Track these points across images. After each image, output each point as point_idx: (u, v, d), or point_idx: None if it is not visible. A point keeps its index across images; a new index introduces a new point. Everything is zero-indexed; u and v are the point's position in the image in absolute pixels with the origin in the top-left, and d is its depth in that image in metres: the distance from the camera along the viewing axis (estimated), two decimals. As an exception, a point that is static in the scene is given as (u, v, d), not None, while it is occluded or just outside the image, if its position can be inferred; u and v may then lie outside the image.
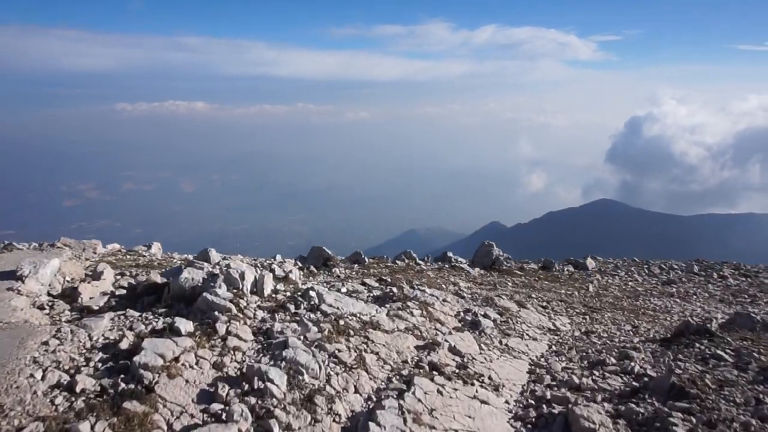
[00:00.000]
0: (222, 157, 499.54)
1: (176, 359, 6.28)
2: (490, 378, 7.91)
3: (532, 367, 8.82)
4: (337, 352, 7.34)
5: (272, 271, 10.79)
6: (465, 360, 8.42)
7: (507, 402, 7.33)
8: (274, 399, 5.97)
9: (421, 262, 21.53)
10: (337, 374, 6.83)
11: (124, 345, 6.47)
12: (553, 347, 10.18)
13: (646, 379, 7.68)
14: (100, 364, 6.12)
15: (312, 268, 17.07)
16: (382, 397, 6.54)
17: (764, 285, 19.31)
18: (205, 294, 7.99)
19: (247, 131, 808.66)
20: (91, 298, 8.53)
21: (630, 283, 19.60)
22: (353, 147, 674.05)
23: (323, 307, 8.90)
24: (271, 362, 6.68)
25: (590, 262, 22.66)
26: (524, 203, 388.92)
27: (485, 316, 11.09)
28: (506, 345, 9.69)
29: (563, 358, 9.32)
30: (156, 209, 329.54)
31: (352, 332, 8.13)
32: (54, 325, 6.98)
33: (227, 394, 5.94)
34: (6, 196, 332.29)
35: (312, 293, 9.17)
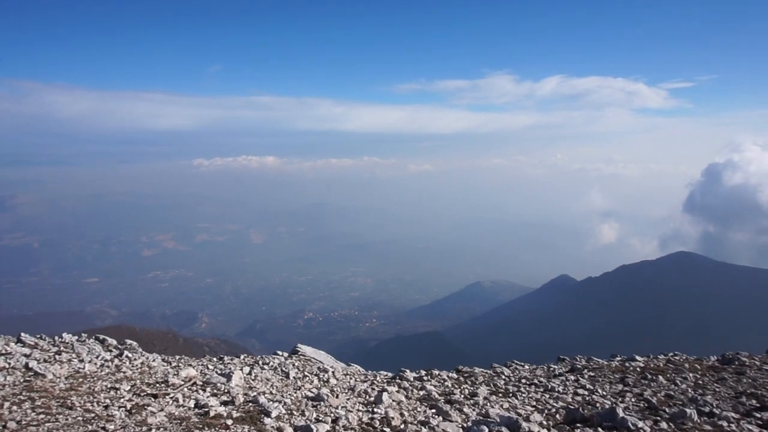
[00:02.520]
0: (289, 209, 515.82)
1: None
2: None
3: None
4: None
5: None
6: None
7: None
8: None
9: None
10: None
11: None
12: None
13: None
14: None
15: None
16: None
17: None
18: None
19: (314, 184, 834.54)
20: None
21: None
22: (417, 199, 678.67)
23: None
24: None
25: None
26: (595, 256, 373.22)
27: None
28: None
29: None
30: (227, 260, 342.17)
31: None
32: None
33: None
34: (92, 247, 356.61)
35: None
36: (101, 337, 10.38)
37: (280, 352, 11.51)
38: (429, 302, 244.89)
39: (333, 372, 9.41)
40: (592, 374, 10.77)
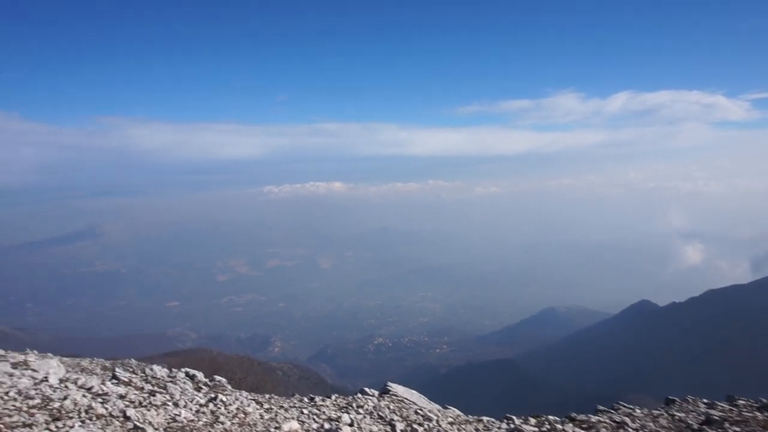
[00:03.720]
0: (356, 233, 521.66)
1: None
2: None
3: None
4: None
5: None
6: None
7: None
8: None
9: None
10: None
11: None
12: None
13: None
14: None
15: None
16: None
17: None
18: None
19: (380, 208, 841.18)
20: None
21: None
22: (485, 221, 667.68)
23: None
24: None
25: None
26: (677, 279, 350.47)
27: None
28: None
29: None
30: (297, 284, 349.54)
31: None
32: None
33: None
34: (172, 273, 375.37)
35: None
36: (191, 372, 10.16)
37: (369, 391, 10.85)
38: (500, 328, 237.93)
39: (437, 420, 8.61)
40: (737, 429, 9.19)
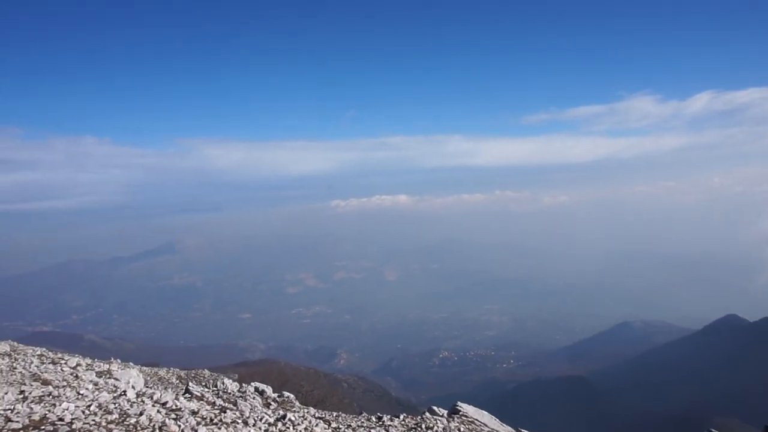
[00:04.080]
0: (422, 246, 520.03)
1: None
2: None
3: None
4: None
5: None
6: None
7: None
8: None
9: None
10: None
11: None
12: None
13: None
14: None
15: None
16: None
17: None
18: None
19: (446, 220, 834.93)
20: None
21: None
22: (554, 232, 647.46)
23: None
24: None
25: None
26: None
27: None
28: None
29: None
30: (363, 296, 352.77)
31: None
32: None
33: None
34: (245, 285, 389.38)
35: None
36: (260, 387, 10.28)
37: (438, 411, 10.54)
38: (571, 343, 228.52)
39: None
40: None
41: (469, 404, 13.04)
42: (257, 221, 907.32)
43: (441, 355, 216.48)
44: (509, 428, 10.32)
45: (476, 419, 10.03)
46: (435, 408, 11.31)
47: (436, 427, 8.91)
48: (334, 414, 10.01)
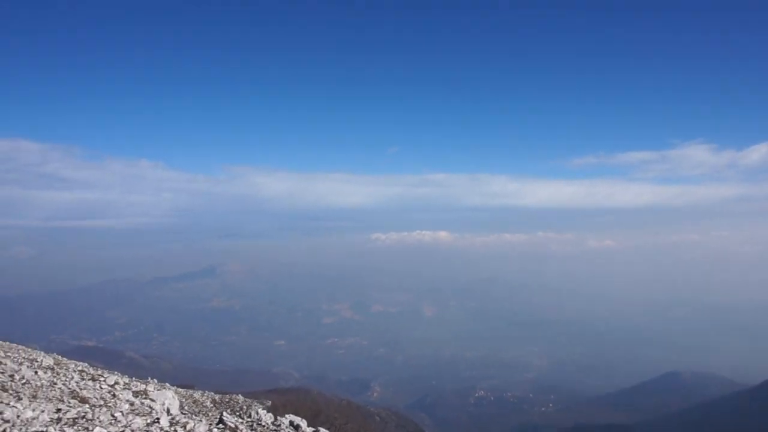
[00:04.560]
0: (461, 283, 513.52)
1: None
2: None
3: None
4: None
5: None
6: None
7: None
8: None
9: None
10: None
11: None
12: None
13: None
14: None
15: None
16: None
17: None
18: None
19: (487, 259, 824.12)
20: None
21: None
22: (598, 276, 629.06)
23: None
24: None
25: None
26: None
27: None
28: None
29: None
30: (399, 331, 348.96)
31: None
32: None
33: None
34: (281, 312, 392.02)
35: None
36: (295, 422, 9.88)
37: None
38: (614, 390, 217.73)
39: None
40: None
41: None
42: (297, 250, 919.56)
43: (477, 395, 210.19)
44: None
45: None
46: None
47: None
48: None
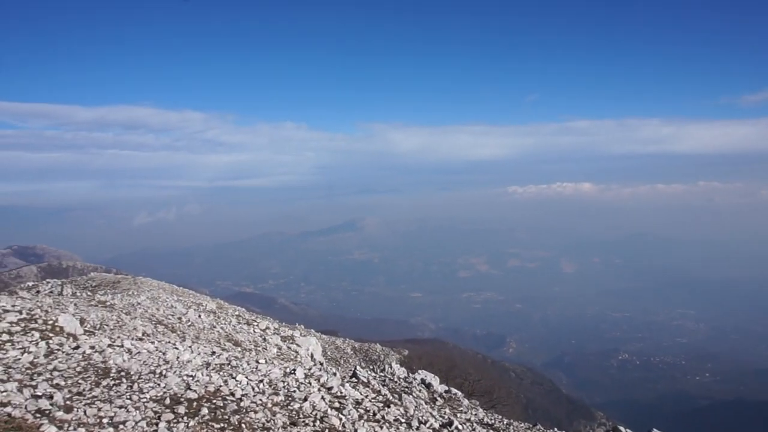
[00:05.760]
0: (605, 239, 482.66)
1: None
2: None
3: None
4: None
5: None
6: None
7: None
8: None
9: None
10: None
11: None
12: None
13: None
14: None
15: None
16: None
17: None
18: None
19: (636, 212, 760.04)
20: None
21: None
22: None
23: None
24: None
25: None
26: None
27: None
28: None
29: None
30: (536, 287, 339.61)
31: None
32: None
33: None
34: (417, 265, 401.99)
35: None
36: (427, 380, 9.83)
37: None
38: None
39: None
40: None
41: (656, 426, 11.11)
42: (432, 204, 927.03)
43: (621, 357, 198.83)
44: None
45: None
46: (620, 427, 9.76)
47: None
48: (505, 422, 9.12)
